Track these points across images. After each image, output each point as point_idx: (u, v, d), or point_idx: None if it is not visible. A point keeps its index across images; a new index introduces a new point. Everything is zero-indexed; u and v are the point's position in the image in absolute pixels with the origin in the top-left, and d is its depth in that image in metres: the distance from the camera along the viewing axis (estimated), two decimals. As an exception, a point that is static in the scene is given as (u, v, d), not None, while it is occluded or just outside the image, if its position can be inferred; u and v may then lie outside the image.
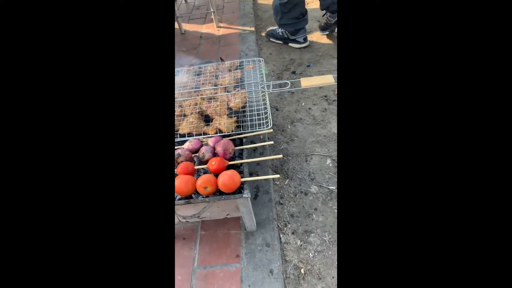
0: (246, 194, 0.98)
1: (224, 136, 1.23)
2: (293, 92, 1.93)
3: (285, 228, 1.27)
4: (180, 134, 1.23)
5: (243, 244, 1.19)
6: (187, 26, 2.68)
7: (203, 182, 1.01)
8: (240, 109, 1.34)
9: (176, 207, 1.00)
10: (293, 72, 2.15)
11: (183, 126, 1.25)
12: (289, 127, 1.71)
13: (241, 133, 1.22)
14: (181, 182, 1.02)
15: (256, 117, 1.25)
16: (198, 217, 1.00)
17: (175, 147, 1.25)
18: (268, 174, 1.41)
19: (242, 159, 1.15)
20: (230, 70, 1.60)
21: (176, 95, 1.42)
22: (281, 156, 1.13)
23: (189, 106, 1.34)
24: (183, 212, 1.05)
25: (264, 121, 1.22)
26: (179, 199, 1.03)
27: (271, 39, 2.42)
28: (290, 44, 2.36)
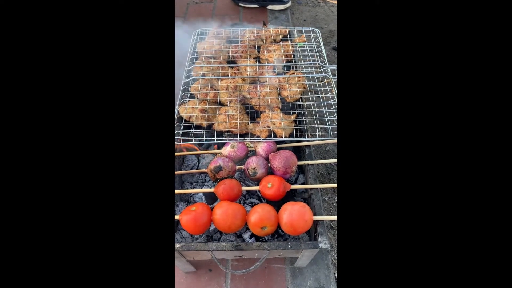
0: (325, 243, 0.67)
1: (278, 142, 0.88)
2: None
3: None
4: (216, 132, 0.87)
5: (290, 285, 0.91)
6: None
7: (259, 219, 0.69)
8: (296, 102, 0.98)
9: (215, 252, 0.68)
10: (334, 48, 1.75)
11: (219, 119, 0.88)
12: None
13: (301, 140, 0.87)
14: (225, 214, 0.69)
15: (318, 117, 0.90)
16: (249, 271, 0.70)
17: (206, 152, 0.89)
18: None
19: (307, 180, 0.82)
20: (276, 41, 1.19)
21: (204, 70, 1.02)
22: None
23: (226, 89, 0.95)
24: (221, 255, 0.74)
25: (330, 125, 0.87)
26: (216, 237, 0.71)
27: (240, 4, 1.89)
28: (270, 7, 1.85)
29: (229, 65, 1.05)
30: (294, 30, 1.22)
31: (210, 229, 0.80)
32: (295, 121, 0.90)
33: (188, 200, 0.87)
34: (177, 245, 0.67)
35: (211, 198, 0.84)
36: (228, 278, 0.92)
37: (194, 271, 0.92)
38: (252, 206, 0.81)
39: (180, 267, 0.88)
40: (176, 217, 0.71)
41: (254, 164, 0.78)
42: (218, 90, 0.97)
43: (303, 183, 0.88)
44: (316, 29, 1.20)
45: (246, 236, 0.76)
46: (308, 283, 0.91)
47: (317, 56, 1.08)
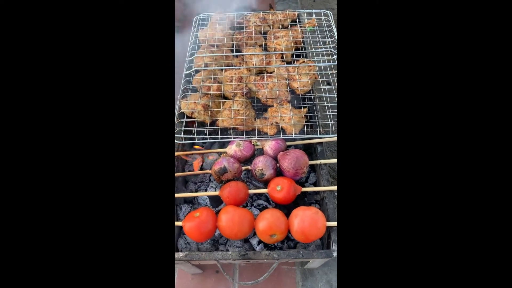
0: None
1: (287, 140, 0.82)
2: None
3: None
4: (220, 129, 0.80)
5: (300, 287, 0.87)
6: None
7: (268, 226, 0.63)
8: (307, 94, 0.90)
9: (221, 261, 0.64)
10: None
11: (224, 115, 0.82)
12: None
13: (312, 137, 0.81)
14: (231, 221, 0.64)
15: (331, 110, 0.82)
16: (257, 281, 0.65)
17: (210, 151, 0.84)
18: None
19: (319, 181, 0.76)
20: (284, 26, 1.10)
21: (206, 60, 0.95)
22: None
23: (231, 81, 0.88)
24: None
25: (331, 121, 0.79)
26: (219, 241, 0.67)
27: None
28: None
29: (234, 54, 0.97)
30: (303, 13, 1.12)
31: (216, 233, 0.75)
32: (305, 116, 0.83)
33: (192, 201, 0.82)
34: (180, 254, 0.63)
35: (216, 200, 0.80)
36: (235, 281, 0.89)
37: (201, 272, 0.89)
38: (260, 209, 0.76)
39: (186, 269, 0.85)
40: (180, 223, 0.67)
41: (261, 165, 0.73)
42: (221, 83, 0.89)
43: (315, 183, 0.82)
44: (328, 11, 1.10)
45: (254, 242, 0.71)
46: (319, 286, 0.88)
47: (329, 41, 0.99)
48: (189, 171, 0.84)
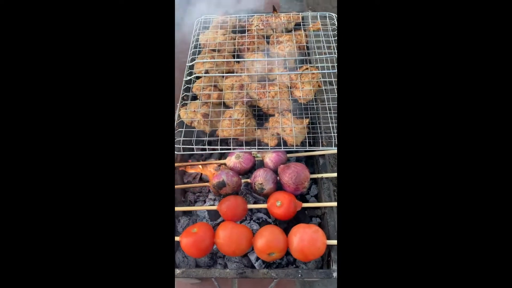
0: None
1: (288, 152, 0.79)
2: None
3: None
4: (220, 139, 0.78)
5: (299, 299, 0.87)
6: None
7: (266, 245, 0.62)
8: (309, 103, 0.88)
9: (215, 277, 0.63)
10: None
11: (224, 125, 0.80)
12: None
13: (314, 150, 0.78)
14: (229, 239, 0.63)
15: (334, 121, 0.80)
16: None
17: (209, 163, 0.82)
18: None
19: (320, 195, 0.74)
20: (288, 30, 1.06)
21: (207, 66, 0.92)
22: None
23: (231, 89, 0.86)
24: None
25: (334, 132, 0.76)
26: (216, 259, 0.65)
27: None
28: None
29: (235, 59, 0.94)
30: (308, 15, 1.08)
31: (214, 247, 0.74)
32: (308, 127, 0.81)
33: (191, 212, 0.81)
34: (178, 271, 0.62)
35: (215, 213, 0.78)
36: (234, 290, 0.88)
37: (199, 282, 0.89)
38: (259, 224, 0.74)
39: (184, 280, 0.84)
40: (177, 238, 0.66)
41: (261, 179, 0.71)
42: (222, 90, 0.87)
43: (316, 196, 0.80)
44: (333, 14, 1.06)
45: (252, 257, 0.70)
46: (319, 298, 0.87)
47: (333, 46, 0.96)
48: (187, 182, 0.83)
